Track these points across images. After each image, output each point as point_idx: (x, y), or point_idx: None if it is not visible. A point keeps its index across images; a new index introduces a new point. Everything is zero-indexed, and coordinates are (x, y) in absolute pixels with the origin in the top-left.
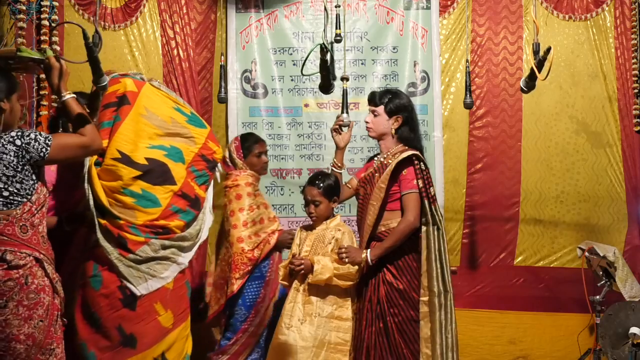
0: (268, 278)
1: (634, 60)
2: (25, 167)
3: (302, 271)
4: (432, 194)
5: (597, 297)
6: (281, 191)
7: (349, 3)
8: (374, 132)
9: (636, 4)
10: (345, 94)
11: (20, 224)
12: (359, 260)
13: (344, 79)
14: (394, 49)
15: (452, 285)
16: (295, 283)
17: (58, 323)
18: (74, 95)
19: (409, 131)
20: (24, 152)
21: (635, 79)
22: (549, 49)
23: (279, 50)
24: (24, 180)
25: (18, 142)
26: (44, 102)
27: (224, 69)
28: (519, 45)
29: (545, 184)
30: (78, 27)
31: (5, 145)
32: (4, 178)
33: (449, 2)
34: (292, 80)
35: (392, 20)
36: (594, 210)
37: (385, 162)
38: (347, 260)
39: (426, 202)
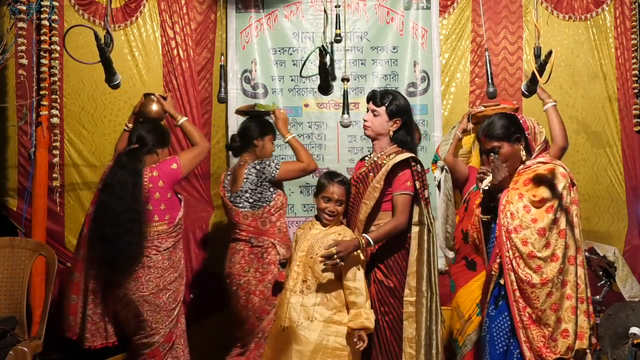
0: None
1: (634, 60)
2: (263, 184)
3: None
4: (427, 196)
5: (597, 297)
6: None
7: (349, 3)
8: (371, 132)
9: (636, 4)
10: (346, 94)
11: (261, 220)
12: (355, 243)
13: (345, 79)
14: (394, 49)
15: (438, 287)
16: (288, 284)
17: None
18: (294, 136)
19: (405, 134)
20: (260, 174)
21: (635, 79)
22: (550, 53)
23: (279, 50)
24: (263, 192)
25: (257, 167)
26: (44, 102)
27: (224, 69)
28: (519, 46)
29: None
30: (79, 27)
31: (250, 169)
32: (249, 191)
33: (449, 2)
34: (292, 80)
35: (392, 20)
36: (594, 210)
37: (379, 162)
38: (341, 254)
39: (422, 203)
